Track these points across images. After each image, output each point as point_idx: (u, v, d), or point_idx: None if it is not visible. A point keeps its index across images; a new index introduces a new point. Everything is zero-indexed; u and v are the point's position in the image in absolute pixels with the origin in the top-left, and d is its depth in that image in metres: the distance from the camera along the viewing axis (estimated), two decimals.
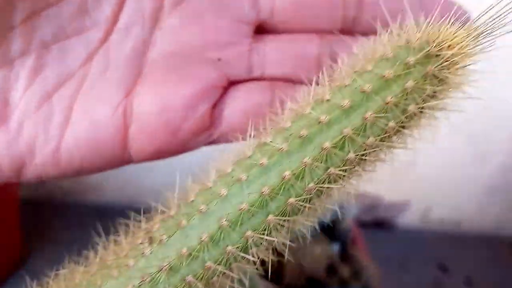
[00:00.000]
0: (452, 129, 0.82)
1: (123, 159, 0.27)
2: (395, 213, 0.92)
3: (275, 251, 0.23)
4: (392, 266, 0.84)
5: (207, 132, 0.27)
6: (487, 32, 0.19)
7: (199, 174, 0.24)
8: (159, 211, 0.24)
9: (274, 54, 0.28)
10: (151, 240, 0.23)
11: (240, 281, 0.24)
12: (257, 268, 0.22)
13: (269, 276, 0.23)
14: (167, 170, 0.89)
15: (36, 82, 0.25)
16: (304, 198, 0.21)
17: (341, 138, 0.20)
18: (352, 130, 0.20)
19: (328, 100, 0.21)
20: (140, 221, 0.25)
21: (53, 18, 0.24)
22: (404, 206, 0.91)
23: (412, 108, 0.19)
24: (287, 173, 0.20)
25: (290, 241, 0.23)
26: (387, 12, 0.22)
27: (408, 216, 0.92)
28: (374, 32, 0.24)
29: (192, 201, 0.23)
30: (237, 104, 0.27)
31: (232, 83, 0.27)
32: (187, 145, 0.27)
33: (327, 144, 0.20)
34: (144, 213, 0.26)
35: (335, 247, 0.71)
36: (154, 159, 0.27)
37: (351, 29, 0.28)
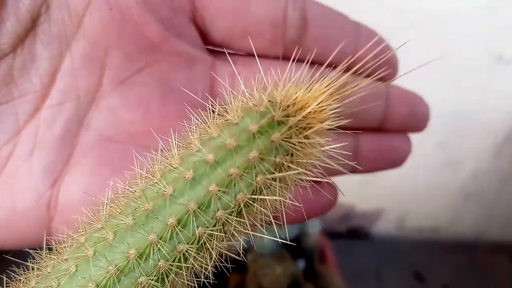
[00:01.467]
0: (422, 135, 0.80)
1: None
2: (369, 222, 0.89)
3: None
4: (367, 276, 0.83)
5: (45, 222, 0.25)
6: (342, 92, 0.17)
7: None
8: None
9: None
10: None
11: None
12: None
13: None
14: None
15: None
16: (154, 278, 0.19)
17: (186, 213, 0.18)
18: (196, 205, 0.18)
19: (175, 169, 0.18)
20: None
21: None
22: (377, 214, 0.89)
23: (259, 180, 0.17)
24: (132, 252, 0.18)
25: None
26: None
27: (382, 225, 0.90)
28: None
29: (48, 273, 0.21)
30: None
31: None
32: (23, 239, 0.25)
33: (172, 220, 0.18)
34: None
35: (300, 264, 0.69)
36: None
37: None
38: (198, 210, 0.18)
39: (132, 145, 0.24)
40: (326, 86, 0.17)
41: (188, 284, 0.20)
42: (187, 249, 0.18)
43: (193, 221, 0.18)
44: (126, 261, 0.18)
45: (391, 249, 0.88)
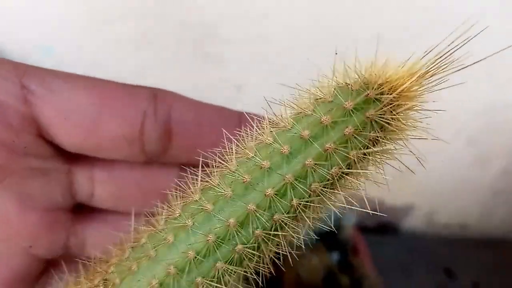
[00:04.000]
0: (453, 132, 0.81)
1: None
2: (399, 218, 0.90)
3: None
4: (396, 271, 0.83)
5: None
6: (432, 72, 0.18)
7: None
8: (113, 253, 0.24)
9: (94, 240, 0.27)
10: (105, 284, 0.23)
11: None
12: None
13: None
14: None
15: None
16: (252, 246, 0.20)
17: (283, 185, 0.19)
18: (294, 177, 0.19)
19: (269, 145, 0.20)
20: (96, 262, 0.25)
21: None
22: (407, 210, 0.89)
23: (353, 154, 0.19)
24: (232, 221, 0.20)
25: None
26: None
27: (412, 221, 0.91)
28: None
29: (142, 245, 0.23)
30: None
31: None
32: None
33: (270, 191, 0.19)
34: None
35: (335, 256, 0.70)
36: None
37: None
38: (295, 182, 0.19)
39: (4, 247, 0.24)
40: (416, 68, 0.19)
41: (277, 253, 0.21)
42: (283, 218, 0.20)
43: (290, 192, 0.19)
44: (226, 230, 0.20)
45: (419, 244, 0.88)
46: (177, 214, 0.22)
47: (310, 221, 0.20)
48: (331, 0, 0.66)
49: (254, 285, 0.22)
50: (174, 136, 0.25)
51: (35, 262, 0.25)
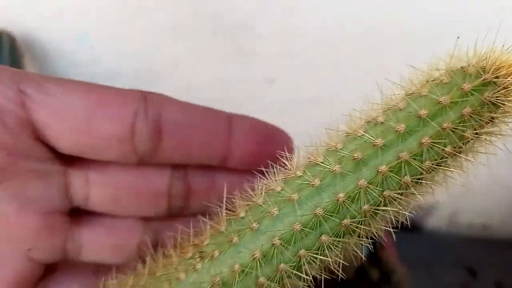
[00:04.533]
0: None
1: None
2: (423, 217, 0.91)
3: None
4: (419, 269, 0.84)
5: None
6: None
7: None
8: (207, 225, 0.25)
9: (90, 244, 0.28)
10: (202, 255, 0.24)
11: None
12: (308, 285, 0.23)
13: None
14: None
15: None
16: (359, 220, 0.21)
17: (398, 162, 0.20)
18: (409, 154, 0.20)
19: (382, 123, 0.21)
20: (188, 235, 0.26)
21: None
22: (431, 209, 0.90)
23: (468, 134, 0.19)
24: (341, 195, 0.21)
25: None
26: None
27: (435, 219, 0.91)
28: (203, 213, 0.25)
29: (242, 217, 0.23)
30: None
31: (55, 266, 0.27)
32: None
33: (384, 168, 0.20)
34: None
35: (364, 250, 0.70)
36: None
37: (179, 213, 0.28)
38: (410, 159, 0.20)
39: (3, 249, 0.25)
40: None
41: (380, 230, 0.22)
42: (393, 194, 0.20)
43: (404, 169, 0.20)
44: (335, 204, 0.21)
45: (442, 243, 0.89)
46: (279, 189, 0.22)
47: (418, 198, 0.21)
48: None
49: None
50: (164, 135, 0.26)
51: (35, 266, 0.26)
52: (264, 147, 0.26)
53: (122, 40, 0.78)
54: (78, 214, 0.28)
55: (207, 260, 0.23)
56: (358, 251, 0.23)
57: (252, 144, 0.27)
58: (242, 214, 0.23)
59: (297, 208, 0.21)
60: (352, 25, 0.70)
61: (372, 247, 0.66)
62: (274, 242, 0.22)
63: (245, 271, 0.22)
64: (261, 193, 0.23)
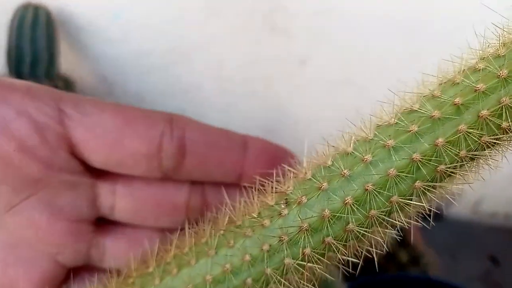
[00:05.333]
0: None
1: None
2: (447, 205, 0.91)
3: None
4: (443, 257, 0.84)
5: None
6: None
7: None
8: (291, 173, 0.25)
9: (112, 251, 0.30)
10: (287, 202, 0.24)
11: None
12: (398, 233, 0.23)
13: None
14: None
15: None
16: (455, 165, 0.21)
17: (499, 107, 0.20)
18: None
19: (483, 70, 0.21)
20: (267, 183, 0.26)
21: None
22: (455, 197, 0.90)
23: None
24: (440, 140, 0.21)
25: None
26: None
27: (459, 208, 0.91)
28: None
29: (330, 165, 0.23)
30: None
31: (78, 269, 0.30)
32: None
33: (485, 112, 0.20)
34: None
35: (393, 235, 0.71)
36: None
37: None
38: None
39: (32, 251, 0.28)
40: None
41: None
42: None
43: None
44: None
45: (466, 231, 0.89)
46: (372, 136, 0.23)
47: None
48: None
49: None
50: (188, 154, 0.29)
51: (60, 268, 0.29)
52: (273, 166, 0.27)
53: (155, 19, 0.78)
54: (103, 223, 0.30)
55: (294, 206, 0.24)
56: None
57: (263, 164, 0.29)
58: (329, 163, 0.24)
59: (393, 154, 0.22)
60: (388, 9, 0.70)
61: (400, 232, 0.66)
62: (367, 188, 0.22)
63: (336, 215, 0.22)
64: (351, 142, 0.23)
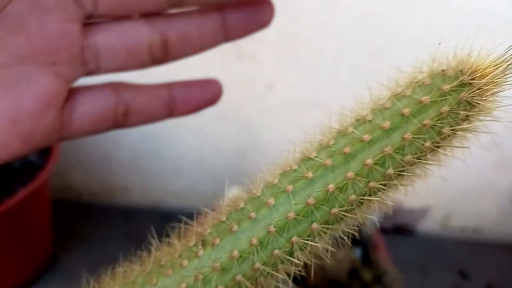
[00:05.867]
0: (472, 136, 0.83)
1: None
2: (415, 220, 0.93)
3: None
4: (412, 272, 0.86)
5: (58, 133, 0.29)
6: None
7: (245, 184, 0.27)
8: (210, 216, 0.27)
9: (105, 50, 0.30)
10: (204, 243, 0.26)
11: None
12: (300, 270, 0.25)
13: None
14: (192, 174, 0.91)
15: None
16: (346, 209, 0.23)
17: (382, 156, 0.22)
18: (392, 148, 0.22)
19: (370, 121, 0.23)
20: (191, 225, 0.28)
21: None
22: (424, 212, 0.92)
23: (446, 130, 0.22)
24: (331, 186, 0.23)
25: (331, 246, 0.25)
26: None
27: (428, 223, 0.93)
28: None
29: (242, 208, 0.25)
30: (84, 109, 0.30)
31: (74, 90, 0.30)
32: (40, 146, 0.29)
33: (369, 161, 0.22)
34: (191, 218, 0.28)
35: (357, 252, 0.73)
36: (8, 161, 0.28)
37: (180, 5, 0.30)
38: (394, 153, 0.22)
39: (29, 67, 0.27)
40: (499, 60, 0.22)
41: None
42: (377, 186, 0.22)
43: (388, 162, 0.22)
44: (325, 194, 0.23)
45: (435, 246, 0.91)
46: (276, 181, 0.24)
47: (400, 188, 0.23)
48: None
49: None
50: None
51: (60, 83, 0.28)
52: None
53: None
54: (90, 24, 0.30)
55: (208, 247, 0.25)
56: (345, 238, 0.24)
57: None
58: (241, 205, 0.25)
59: (291, 198, 0.23)
60: (349, 32, 0.72)
61: (364, 249, 0.68)
62: (269, 230, 0.24)
63: (243, 256, 0.24)
64: (260, 186, 0.25)
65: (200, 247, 0.26)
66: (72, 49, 0.28)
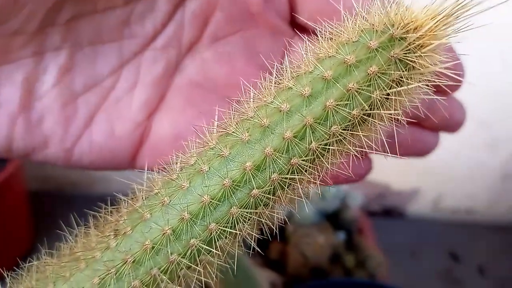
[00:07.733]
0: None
1: (126, 167, 0.28)
2: (404, 202, 0.90)
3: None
4: (403, 254, 0.83)
5: None
6: (457, 13, 0.18)
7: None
8: (126, 203, 0.24)
9: None
10: (116, 233, 0.23)
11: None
12: (227, 263, 0.22)
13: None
14: None
15: (64, 82, 0.25)
16: (268, 190, 0.20)
17: (303, 127, 0.19)
18: (313, 119, 0.19)
19: (290, 88, 0.19)
20: (110, 212, 0.25)
21: (94, 23, 0.25)
22: (413, 194, 0.89)
23: (376, 95, 0.18)
24: (249, 164, 0.19)
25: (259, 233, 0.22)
26: None
27: (418, 205, 0.90)
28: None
29: (156, 193, 0.22)
30: None
31: None
32: None
33: (288, 134, 0.19)
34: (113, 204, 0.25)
35: (340, 236, 0.70)
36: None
37: None
38: (315, 124, 0.19)
39: (215, 94, 0.28)
40: (440, 9, 0.18)
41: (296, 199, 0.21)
42: (301, 162, 0.19)
43: (309, 134, 0.19)
44: (242, 174, 0.20)
45: (426, 228, 0.88)
46: (193, 162, 0.21)
47: (328, 167, 0.20)
48: None
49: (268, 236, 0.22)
50: None
51: None
52: None
53: None
54: None
55: (120, 238, 0.22)
56: (271, 224, 0.21)
57: None
58: (156, 190, 0.22)
59: (206, 179, 0.20)
60: None
61: (348, 232, 0.65)
62: (183, 217, 0.20)
63: (155, 247, 0.21)
64: (176, 167, 0.22)
65: (112, 237, 0.22)
66: None
